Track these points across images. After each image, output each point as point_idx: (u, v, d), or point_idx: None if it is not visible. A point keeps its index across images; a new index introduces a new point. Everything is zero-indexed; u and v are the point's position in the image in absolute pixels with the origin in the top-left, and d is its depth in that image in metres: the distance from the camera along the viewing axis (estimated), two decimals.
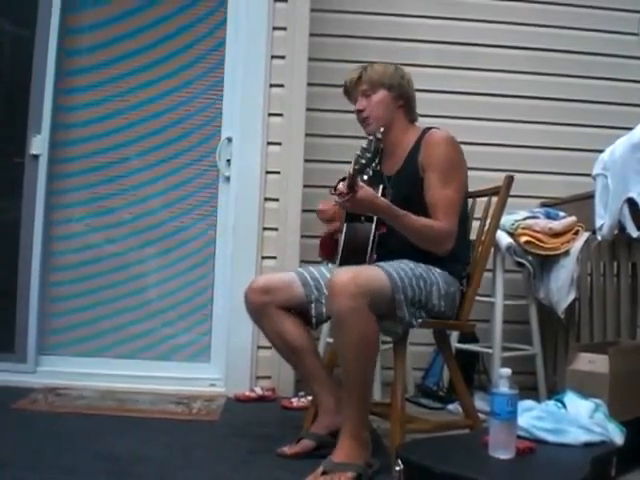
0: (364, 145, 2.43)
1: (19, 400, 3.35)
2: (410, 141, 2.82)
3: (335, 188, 2.61)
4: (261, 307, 2.77)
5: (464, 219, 2.80)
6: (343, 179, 2.55)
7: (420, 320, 2.61)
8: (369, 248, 2.70)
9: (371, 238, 2.70)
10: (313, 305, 2.75)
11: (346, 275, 2.40)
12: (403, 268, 2.57)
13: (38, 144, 3.85)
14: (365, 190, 2.47)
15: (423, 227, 2.62)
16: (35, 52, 3.87)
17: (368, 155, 2.40)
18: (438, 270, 2.69)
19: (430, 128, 2.84)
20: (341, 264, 2.75)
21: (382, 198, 2.54)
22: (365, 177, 2.46)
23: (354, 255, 2.71)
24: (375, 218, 2.68)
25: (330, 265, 2.91)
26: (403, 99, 2.84)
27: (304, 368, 2.81)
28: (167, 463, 2.54)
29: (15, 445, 2.64)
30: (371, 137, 2.43)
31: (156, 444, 2.78)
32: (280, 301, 2.75)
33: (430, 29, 4.36)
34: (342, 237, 2.79)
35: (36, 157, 3.85)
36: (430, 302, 2.63)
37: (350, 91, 2.89)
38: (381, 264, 2.57)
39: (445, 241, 2.67)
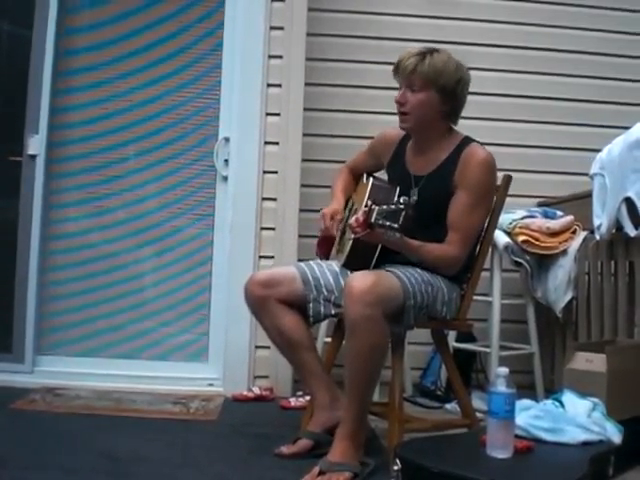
0: (394, 208, 2.30)
1: (17, 400, 3.34)
2: (447, 147, 2.74)
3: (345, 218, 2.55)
4: (261, 300, 2.76)
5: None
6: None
7: (419, 321, 2.62)
8: (376, 251, 2.68)
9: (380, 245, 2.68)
10: (311, 305, 2.74)
11: (365, 282, 2.39)
12: (413, 274, 2.58)
13: (35, 144, 3.84)
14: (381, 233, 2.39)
15: (436, 258, 2.62)
16: (32, 51, 3.86)
17: (394, 225, 2.29)
18: (441, 276, 2.69)
19: (470, 139, 2.75)
20: (346, 263, 2.74)
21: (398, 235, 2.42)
22: (384, 233, 2.35)
23: (361, 256, 2.70)
24: None
25: (330, 261, 2.89)
26: (449, 105, 2.70)
27: (301, 363, 2.81)
28: (165, 463, 2.54)
29: (13, 445, 2.64)
30: (402, 207, 2.30)
31: (154, 444, 2.78)
32: (280, 295, 2.74)
33: (426, 28, 4.35)
34: (351, 238, 2.75)
35: (33, 157, 3.85)
36: (434, 308, 2.64)
37: (400, 75, 2.70)
38: (393, 269, 2.57)
39: (454, 268, 2.68)
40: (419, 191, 2.72)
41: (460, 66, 2.71)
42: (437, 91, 2.66)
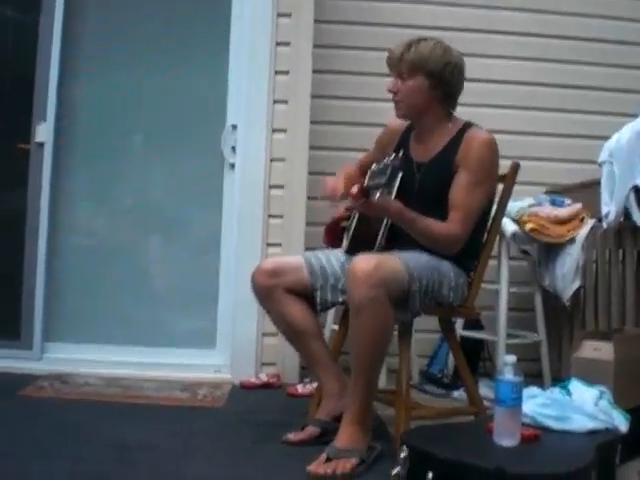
0: (380, 166, 2.33)
1: (25, 387, 3.36)
2: (448, 133, 2.75)
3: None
4: (268, 290, 2.77)
5: (482, 218, 2.76)
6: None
7: (426, 308, 2.62)
8: (380, 236, 2.69)
9: (383, 225, 2.69)
10: (318, 293, 2.75)
11: (368, 264, 2.39)
12: (418, 258, 2.57)
13: (43, 132, 3.84)
14: (375, 197, 2.41)
15: (435, 234, 2.60)
16: (40, 38, 3.85)
17: (382, 181, 2.31)
18: (448, 262, 2.68)
19: (471, 124, 2.77)
20: (350, 249, 2.76)
21: (395, 202, 2.47)
22: (378, 194, 2.35)
23: (364, 242, 2.71)
24: None
25: (336, 250, 2.90)
26: (441, 89, 2.70)
27: (309, 352, 2.82)
28: (173, 450, 2.55)
29: (21, 432, 2.65)
30: (388, 162, 2.32)
31: (162, 431, 2.79)
32: (287, 285, 2.75)
33: (433, 16, 4.33)
34: (354, 222, 2.78)
35: (41, 145, 3.85)
36: (441, 294, 2.64)
37: (390, 66, 2.76)
38: (398, 253, 2.56)
39: (453, 247, 2.65)
40: (421, 177, 2.73)
41: (448, 50, 2.72)
42: (425, 76, 2.68)
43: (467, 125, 2.77)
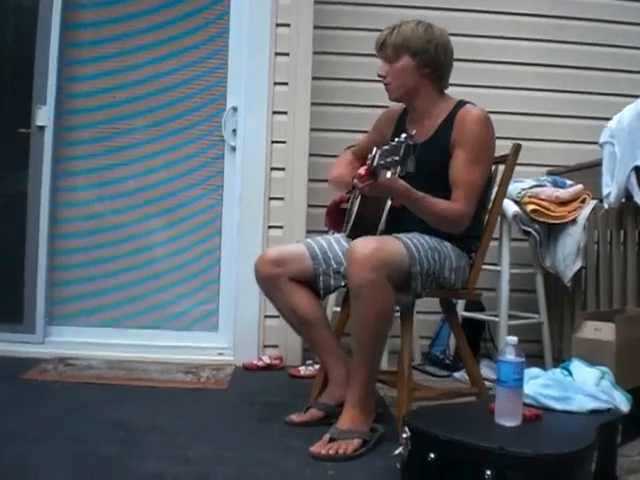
0: (394, 144, 2.30)
1: (28, 370, 3.38)
2: (441, 112, 2.76)
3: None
4: (272, 279, 2.77)
5: (482, 197, 2.76)
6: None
7: (427, 290, 2.62)
8: (382, 219, 2.69)
9: (385, 210, 2.69)
10: (321, 278, 2.75)
11: (368, 247, 2.39)
12: (419, 240, 2.57)
13: (43, 115, 3.84)
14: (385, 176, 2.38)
15: (441, 211, 2.59)
16: (39, 22, 3.84)
17: (396, 158, 2.27)
18: (449, 244, 2.69)
19: (465, 102, 2.77)
20: (352, 233, 2.77)
21: (401, 181, 2.44)
22: (388, 175, 2.30)
23: (366, 226, 2.71)
24: None
25: (337, 235, 2.91)
26: (428, 67, 2.72)
27: (315, 341, 2.82)
28: (177, 431, 2.56)
29: (26, 415, 2.67)
30: (402, 139, 2.30)
31: (166, 413, 2.81)
32: (291, 273, 2.75)
33: None
34: (356, 206, 2.78)
35: (42, 128, 3.84)
36: (442, 275, 2.64)
37: (378, 52, 2.79)
38: (398, 235, 2.57)
39: (460, 224, 2.65)
40: (417, 157, 2.72)
41: (430, 29, 2.74)
42: (411, 56, 2.71)
43: (460, 103, 2.77)
